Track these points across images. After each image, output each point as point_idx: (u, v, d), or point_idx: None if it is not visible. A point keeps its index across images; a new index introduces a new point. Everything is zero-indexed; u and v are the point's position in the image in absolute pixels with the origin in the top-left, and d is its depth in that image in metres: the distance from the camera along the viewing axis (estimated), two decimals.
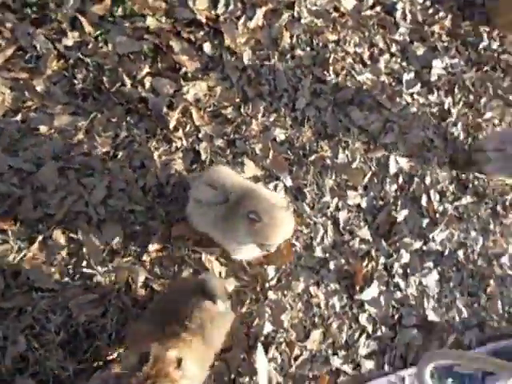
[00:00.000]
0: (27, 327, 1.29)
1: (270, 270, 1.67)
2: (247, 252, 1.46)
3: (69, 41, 1.51)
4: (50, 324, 1.31)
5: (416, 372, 1.44)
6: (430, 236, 2.09)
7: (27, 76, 1.44)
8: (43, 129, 1.43)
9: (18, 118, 1.41)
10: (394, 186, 2.05)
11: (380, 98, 2.11)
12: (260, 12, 1.84)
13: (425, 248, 2.07)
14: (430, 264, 2.07)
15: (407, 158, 2.12)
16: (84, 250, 1.41)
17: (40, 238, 1.35)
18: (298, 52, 1.92)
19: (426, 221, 2.09)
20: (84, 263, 1.40)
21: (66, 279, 1.36)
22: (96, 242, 1.43)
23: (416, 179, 2.11)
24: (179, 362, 1.04)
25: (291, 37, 1.93)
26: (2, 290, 1.28)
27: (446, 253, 2.12)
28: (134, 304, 1.43)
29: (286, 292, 1.69)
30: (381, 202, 2.01)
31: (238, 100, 1.76)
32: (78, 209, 1.42)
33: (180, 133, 1.62)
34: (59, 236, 1.38)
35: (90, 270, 1.40)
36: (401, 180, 2.08)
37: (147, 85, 1.59)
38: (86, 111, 1.50)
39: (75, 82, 1.50)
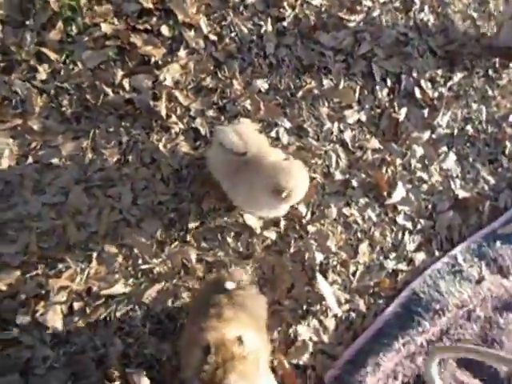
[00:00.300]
0: (117, 330, 1.44)
1: (302, 208, 1.78)
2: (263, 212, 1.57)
3: (42, 75, 1.57)
4: (135, 320, 1.46)
5: (424, 368, 1.49)
6: (435, 123, 2.14)
7: (21, 121, 1.52)
8: (55, 161, 1.53)
9: (30, 160, 1.51)
10: (386, 90, 2.10)
11: (341, 13, 2.12)
12: None
13: (434, 136, 2.13)
14: (444, 148, 2.14)
15: (388, 59, 2.14)
16: (135, 250, 1.53)
17: (94, 254, 1.48)
18: (249, 0, 1.94)
19: (426, 111, 2.14)
20: (140, 261, 1.53)
21: (131, 280, 1.50)
22: (142, 240, 1.55)
23: (403, 76, 2.14)
24: (239, 339, 1.07)
25: None
26: (83, 307, 1.42)
27: (456, 132, 2.18)
28: (198, 279, 1.57)
29: (322, 221, 1.80)
30: (378, 110, 2.07)
31: (212, 68, 1.81)
32: (115, 218, 1.54)
33: (174, 118, 1.70)
34: (109, 247, 1.50)
35: (147, 265, 1.53)
36: (389, 82, 2.12)
37: (127, 86, 1.66)
38: (85, 131, 1.59)
39: (63, 109, 1.58)
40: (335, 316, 1.71)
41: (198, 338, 1.12)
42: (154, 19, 1.76)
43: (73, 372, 1.37)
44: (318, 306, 1.69)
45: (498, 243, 2.02)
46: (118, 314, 1.45)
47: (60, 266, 1.44)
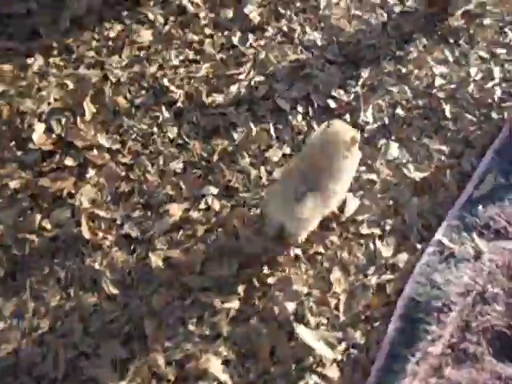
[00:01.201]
0: None
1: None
2: None
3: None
4: None
5: None
6: (360, 122, 2.10)
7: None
8: (1, 325, 1.54)
9: None
10: (299, 116, 2.10)
11: (228, 71, 2.21)
12: None
13: (366, 135, 2.07)
14: (383, 141, 2.06)
15: (290, 88, 2.18)
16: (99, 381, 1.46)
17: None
18: (138, 101, 2.06)
19: (347, 116, 2.11)
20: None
21: None
22: (103, 369, 1.48)
23: (312, 95, 2.15)
24: None
25: None
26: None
27: (387, 122, 2.12)
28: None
29: (279, 269, 1.70)
30: (301, 136, 2.05)
31: (124, 173, 1.87)
32: (73, 354, 1.50)
33: (100, 234, 1.72)
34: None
35: None
36: (300, 108, 2.13)
37: (48, 226, 1.72)
38: (21, 285, 1.62)
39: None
40: (334, 361, 1.53)
41: None
42: (57, 156, 1.88)
43: None
44: (311, 359, 1.53)
45: (480, 207, 1.84)
46: None
47: None
